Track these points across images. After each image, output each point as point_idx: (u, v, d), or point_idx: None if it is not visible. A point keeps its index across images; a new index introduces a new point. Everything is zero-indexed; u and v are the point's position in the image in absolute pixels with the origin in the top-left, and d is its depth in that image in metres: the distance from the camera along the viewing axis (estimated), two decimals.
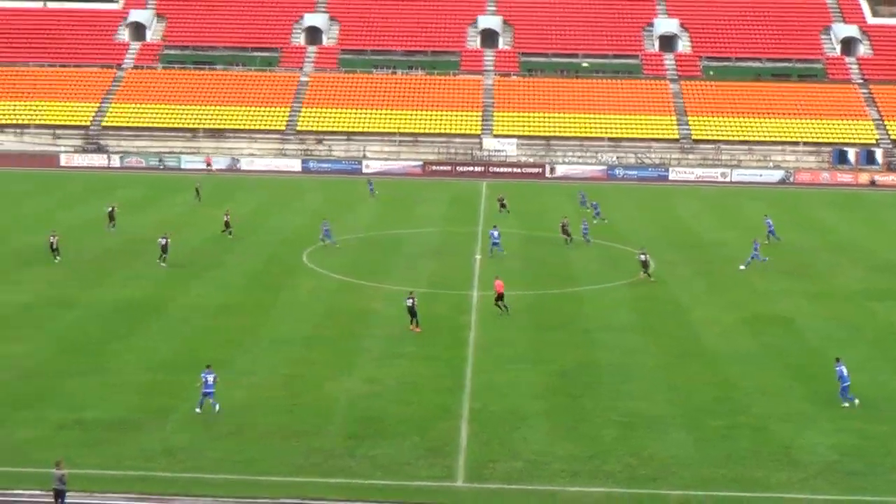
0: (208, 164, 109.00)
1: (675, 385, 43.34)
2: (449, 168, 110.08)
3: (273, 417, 39.15)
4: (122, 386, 42.04)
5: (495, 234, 67.62)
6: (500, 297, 53.19)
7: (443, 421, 39.05)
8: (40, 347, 46.86)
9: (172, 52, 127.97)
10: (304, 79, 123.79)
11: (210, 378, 39.45)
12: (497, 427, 38.52)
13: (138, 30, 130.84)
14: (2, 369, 43.82)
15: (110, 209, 75.00)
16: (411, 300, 50.30)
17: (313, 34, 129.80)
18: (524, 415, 39.76)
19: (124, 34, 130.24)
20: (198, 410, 39.33)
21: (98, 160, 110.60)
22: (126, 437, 37.05)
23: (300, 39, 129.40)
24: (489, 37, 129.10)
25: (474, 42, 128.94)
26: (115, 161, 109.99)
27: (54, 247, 64.09)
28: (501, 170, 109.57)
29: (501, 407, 40.47)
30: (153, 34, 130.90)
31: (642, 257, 62.02)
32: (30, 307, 53.63)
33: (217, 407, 39.25)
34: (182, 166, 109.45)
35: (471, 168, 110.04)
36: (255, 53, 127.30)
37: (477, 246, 70.77)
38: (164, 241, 63.56)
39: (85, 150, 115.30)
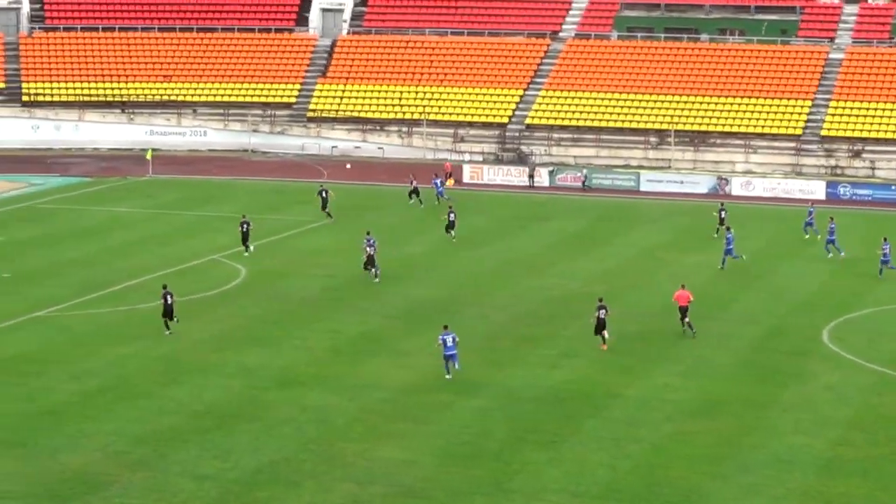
0: (448, 174, 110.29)
1: None
2: None
3: None
4: None
5: (730, 235, 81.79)
6: (683, 311, 60.06)
7: None
8: (425, 452, 49.34)
9: (634, 13, 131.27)
10: (835, 56, 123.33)
11: (449, 339, 55.63)
12: None
13: None
14: (373, 482, 46.38)
15: (413, 183, 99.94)
16: (604, 311, 61.79)
17: None
18: None
19: None
20: (448, 377, 56.14)
21: (517, 176, 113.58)
22: None
23: None
24: None
25: None
26: (543, 177, 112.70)
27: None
28: None
29: None
30: None
31: None
32: (415, 391, 56.65)
33: (458, 366, 56.01)
34: (641, 188, 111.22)
35: None
36: (761, 16, 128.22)
37: None
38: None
39: (499, 160, 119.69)
